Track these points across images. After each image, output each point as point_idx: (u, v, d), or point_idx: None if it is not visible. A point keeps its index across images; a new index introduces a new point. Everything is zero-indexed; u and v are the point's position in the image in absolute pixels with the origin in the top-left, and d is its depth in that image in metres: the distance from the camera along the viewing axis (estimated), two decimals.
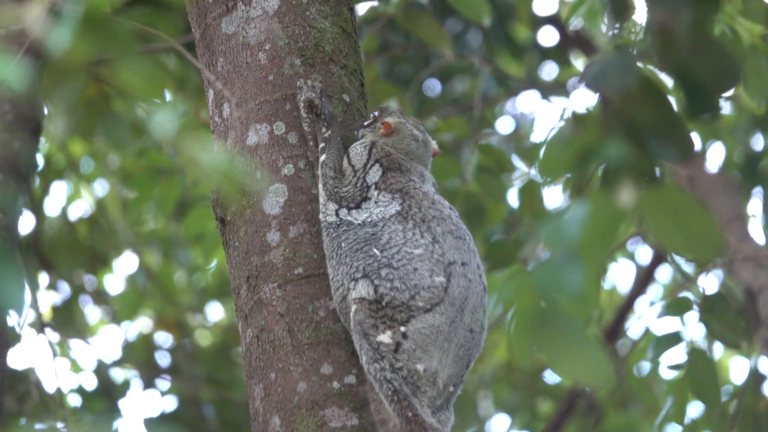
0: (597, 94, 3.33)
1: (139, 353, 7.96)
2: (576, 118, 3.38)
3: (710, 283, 6.52)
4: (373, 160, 3.69)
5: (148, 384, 7.84)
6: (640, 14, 3.37)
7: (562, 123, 3.43)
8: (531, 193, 6.63)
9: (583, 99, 7.62)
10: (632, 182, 3.26)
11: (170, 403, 7.72)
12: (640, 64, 3.22)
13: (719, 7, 3.23)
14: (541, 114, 7.79)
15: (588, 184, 3.32)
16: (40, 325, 6.66)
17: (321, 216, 3.65)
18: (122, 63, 1.99)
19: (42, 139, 5.73)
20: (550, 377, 7.47)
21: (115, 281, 8.27)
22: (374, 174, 3.67)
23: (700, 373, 7.21)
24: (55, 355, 7.29)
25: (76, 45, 1.90)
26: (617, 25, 3.40)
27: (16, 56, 1.82)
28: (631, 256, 8.19)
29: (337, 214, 3.63)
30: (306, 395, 3.56)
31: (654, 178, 3.26)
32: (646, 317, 7.88)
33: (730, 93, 3.49)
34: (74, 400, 7.84)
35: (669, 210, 3.29)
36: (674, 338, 7.46)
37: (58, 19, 1.86)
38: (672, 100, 3.26)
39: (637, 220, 3.27)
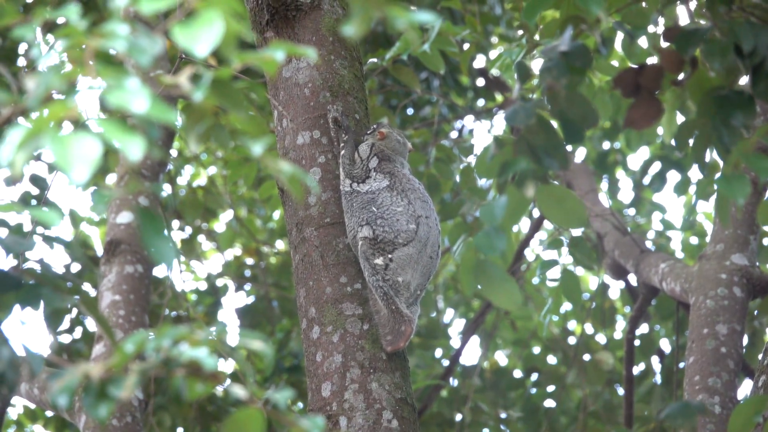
0: (509, 125, 3.35)
1: (233, 269, 7.95)
2: (497, 140, 3.41)
3: (575, 230, 6.53)
4: (373, 153, 3.68)
5: (239, 288, 7.83)
6: (537, 78, 3.38)
7: (490, 142, 3.47)
8: (467, 175, 6.63)
9: (501, 125, 7.66)
10: (532, 182, 3.30)
11: (250, 299, 7.72)
12: (537, 109, 3.24)
13: (585, 76, 3.24)
14: (476, 128, 7.79)
15: (506, 183, 3.35)
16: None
17: (341, 187, 3.64)
18: (231, 106, 2.02)
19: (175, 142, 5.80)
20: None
21: (219, 225, 8.27)
22: (373, 162, 3.66)
23: (569, 284, 7.22)
24: (181, 270, 7.32)
25: (207, 97, 1.92)
26: (523, 85, 3.41)
27: (166, 101, 1.85)
28: (529, 214, 8.19)
29: (350, 186, 3.61)
30: (331, 295, 3.56)
31: (545, 180, 3.29)
32: (537, 249, 7.89)
33: (596, 125, 3.48)
34: (192, 297, 7.87)
35: (552, 198, 3.33)
36: (553, 263, 7.47)
37: (197, 81, 1.89)
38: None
39: (535, 203, 3.32)
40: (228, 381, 2.00)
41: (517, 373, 8.08)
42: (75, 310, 6.65)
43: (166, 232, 1.90)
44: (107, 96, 1.76)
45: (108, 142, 1.70)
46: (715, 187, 3.15)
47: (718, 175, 3.29)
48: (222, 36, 1.87)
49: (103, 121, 1.72)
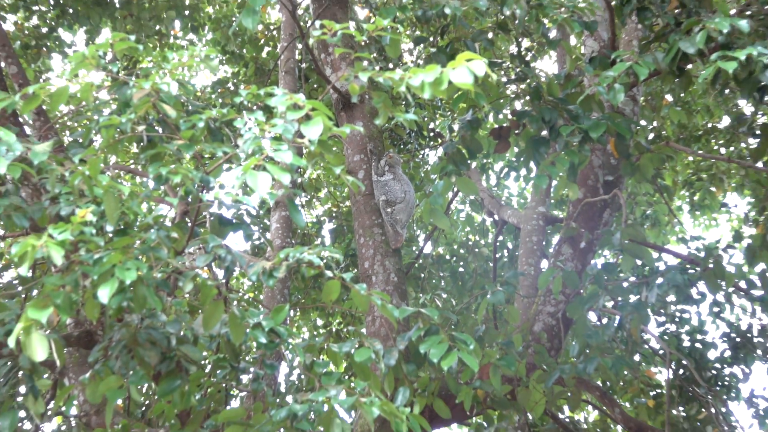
0: (444, 152, 3.27)
1: (327, 213, 7.76)
2: (440, 158, 3.33)
3: (471, 196, 6.42)
4: (386, 164, 3.62)
5: (329, 221, 7.61)
6: (456, 132, 3.29)
7: (436, 159, 3.39)
8: (427, 174, 6.54)
9: (440, 152, 7.51)
10: (454, 175, 3.22)
11: (334, 226, 7.54)
12: (457, 145, 3.17)
13: (478, 130, 3.17)
14: (431, 154, 7.69)
15: (444, 176, 3.28)
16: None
17: (372, 179, 3.59)
18: (327, 151, 1.97)
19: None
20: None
21: (321, 194, 8.04)
22: (386, 168, 3.61)
23: (469, 219, 7.14)
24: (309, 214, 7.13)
25: (316, 147, 1.88)
26: (450, 135, 3.32)
27: (296, 150, 1.80)
28: (452, 189, 8.03)
29: (376, 178, 3.56)
30: (368, 224, 3.52)
31: (460, 174, 3.22)
32: (455, 205, 7.79)
33: (482, 152, 3.42)
34: (310, 225, 7.67)
35: (462, 182, 3.23)
36: (462, 210, 7.36)
37: (315, 142, 1.83)
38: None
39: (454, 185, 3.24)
40: (323, 266, 1.97)
41: (447, 257, 8.05)
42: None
43: (298, 208, 1.85)
44: (274, 154, 1.73)
45: (273, 175, 1.68)
46: (533, 179, 3.08)
47: (533, 173, 3.22)
48: (323, 128, 1.81)
49: (270, 164, 1.70)
